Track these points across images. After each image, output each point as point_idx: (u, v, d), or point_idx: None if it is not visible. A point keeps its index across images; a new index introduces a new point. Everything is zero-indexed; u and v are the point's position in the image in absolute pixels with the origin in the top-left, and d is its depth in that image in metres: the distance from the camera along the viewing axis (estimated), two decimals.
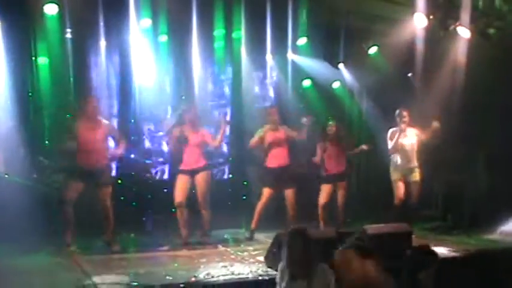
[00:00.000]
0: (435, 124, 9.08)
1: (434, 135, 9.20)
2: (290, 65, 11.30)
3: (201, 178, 8.53)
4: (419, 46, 10.19)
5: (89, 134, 7.86)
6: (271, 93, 11.62)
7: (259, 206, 9.02)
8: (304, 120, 9.04)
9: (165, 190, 9.58)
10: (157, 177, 10.63)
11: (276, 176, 9.00)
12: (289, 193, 9.02)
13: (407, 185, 9.25)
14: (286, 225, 8.83)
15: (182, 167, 8.56)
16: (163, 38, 10.12)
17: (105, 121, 8.21)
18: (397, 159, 9.24)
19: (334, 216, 9.42)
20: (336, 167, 9.33)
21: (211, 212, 8.68)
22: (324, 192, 9.30)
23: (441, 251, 7.91)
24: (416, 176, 9.27)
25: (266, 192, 9.04)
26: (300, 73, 11.31)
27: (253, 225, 8.99)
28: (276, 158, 9.00)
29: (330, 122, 9.40)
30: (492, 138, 9.84)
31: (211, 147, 8.90)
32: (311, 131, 9.23)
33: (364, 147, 9.66)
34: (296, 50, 11.21)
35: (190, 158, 8.50)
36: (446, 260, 7.36)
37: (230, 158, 11.24)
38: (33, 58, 9.35)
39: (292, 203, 9.00)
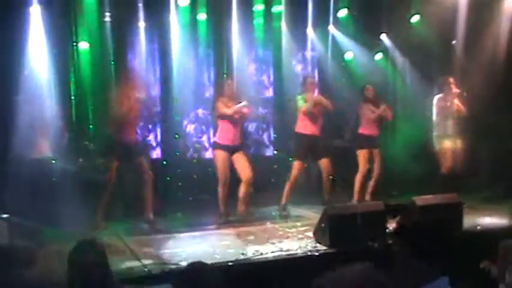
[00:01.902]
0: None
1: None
2: (331, 38, 11.15)
3: (240, 155, 8.41)
4: (463, 12, 9.95)
5: (125, 107, 7.82)
6: (313, 68, 11.45)
7: (290, 181, 8.85)
8: None
9: (210, 169, 9.57)
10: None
11: (307, 145, 8.81)
12: (324, 163, 8.87)
13: (453, 152, 9.11)
14: (324, 198, 8.83)
15: (220, 141, 8.41)
16: (203, 17, 10.09)
17: (139, 92, 8.20)
18: (441, 126, 9.11)
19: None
20: (372, 129, 9.23)
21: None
22: (363, 158, 9.17)
23: (491, 221, 7.78)
24: (459, 143, 9.13)
25: (296, 165, 8.85)
26: (341, 46, 11.14)
27: (283, 200, 8.82)
28: (309, 125, 8.79)
29: (367, 85, 9.33)
30: None
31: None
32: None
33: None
34: (337, 22, 11.06)
35: (229, 133, 8.33)
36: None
37: (274, 135, 11.22)
38: (74, 43, 9.39)
39: (328, 173, 8.86)
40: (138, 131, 8.43)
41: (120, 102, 7.84)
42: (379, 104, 9.26)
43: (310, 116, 8.77)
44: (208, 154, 10.46)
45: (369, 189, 9.29)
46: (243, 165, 8.40)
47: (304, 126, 8.83)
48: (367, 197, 9.22)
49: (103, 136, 8.42)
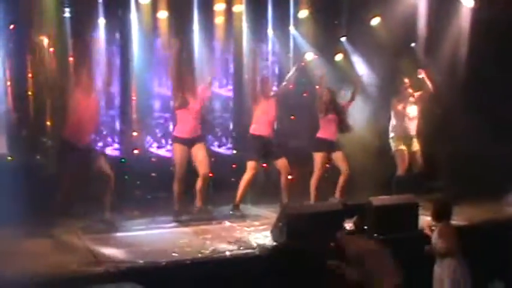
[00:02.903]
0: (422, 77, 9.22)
1: (425, 91, 9.27)
2: (292, 38, 11.22)
3: (199, 148, 8.39)
4: (422, 15, 10.11)
5: (83, 105, 7.69)
6: (273, 68, 11.48)
7: (244, 182, 8.80)
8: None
9: (169, 168, 9.55)
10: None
11: (262, 144, 8.83)
12: (280, 164, 8.89)
13: (410, 154, 9.25)
14: (281, 199, 8.84)
15: (178, 134, 8.43)
16: (163, 14, 10.03)
17: (97, 90, 8.09)
18: (398, 126, 9.25)
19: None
20: (332, 133, 9.19)
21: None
22: (319, 161, 9.10)
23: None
24: (416, 145, 9.28)
25: (250, 166, 8.83)
26: (302, 46, 11.20)
27: (236, 201, 8.79)
28: (264, 126, 8.83)
29: (325, 89, 9.31)
30: (501, 108, 9.69)
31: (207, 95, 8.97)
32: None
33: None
34: (298, 23, 11.12)
35: (188, 125, 8.35)
36: None
37: (233, 134, 11.20)
38: (32, 38, 9.25)
39: (285, 173, 8.87)
40: (95, 133, 8.28)
41: (77, 102, 7.73)
42: (337, 107, 9.29)
43: (263, 117, 8.83)
44: (166, 152, 10.43)
45: (338, 193, 9.18)
46: (200, 159, 8.38)
47: (258, 128, 8.86)
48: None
49: (59, 141, 8.22)
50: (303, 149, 9.82)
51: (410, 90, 9.23)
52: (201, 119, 8.64)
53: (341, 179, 9.16)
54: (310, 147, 9.37)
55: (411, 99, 9.23)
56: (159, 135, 10.63)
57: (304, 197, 9.16)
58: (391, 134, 9.38)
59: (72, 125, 7.68)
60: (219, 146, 11.14)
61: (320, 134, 9.21)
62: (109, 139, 10.12)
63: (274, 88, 9.25)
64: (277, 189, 9.27)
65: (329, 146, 9.16)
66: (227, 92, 11.21)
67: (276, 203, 8.77)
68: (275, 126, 9.03)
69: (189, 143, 8.33)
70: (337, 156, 9.16)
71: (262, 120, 8.84)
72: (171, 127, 10.13)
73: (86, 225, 7.80)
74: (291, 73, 9.29)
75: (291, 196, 8.93)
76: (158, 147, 10.58)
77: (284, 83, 9.29)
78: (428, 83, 9.19)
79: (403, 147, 9.26)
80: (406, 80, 9.26)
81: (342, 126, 9.24)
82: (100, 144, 9.52)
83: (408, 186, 8.70)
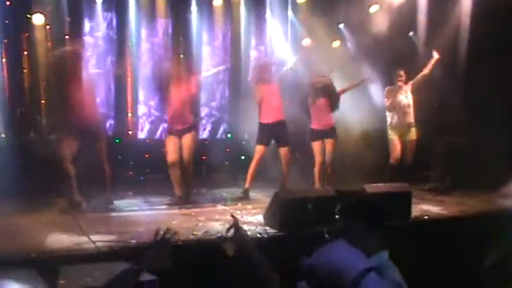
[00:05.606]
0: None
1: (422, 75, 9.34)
2: (290, 23, 11.17)
3: (187, 138, 8.32)
4: (422, 4, 10.09)
5: (79, 89, 7.62)
6: (270, 53, 11.43)
7: (253, 164, 8.88)
8: None
9: (163, 150, 9.54)
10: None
11: (271, 132, 8.86)
12: (283, 151, 8.94)
13: (404, 144, 9.27)
14: (280, 184, 8.85)
15: (170, 123, 8.47)
16: None
17: (93, 72, 8.06)
18: (394, 116, 9.27)
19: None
20: (324, 122, 9.14)
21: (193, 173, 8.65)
22: (317, 150, 9.13)
23: (438, 211, 7.95)
24: (412, 135, 9.31)
25: (259, 150, 8.88)
26: (299, 32, 11.15)
27: (246, 185, 8.84)
28: (271, 112, 8.84)
29: (319, 75, 9.29)
30: (499, 99, 9.68)
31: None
32: None
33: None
34: (296, 8, 11.07)
35: (177, 116, 8.30)
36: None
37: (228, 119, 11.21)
38: (28, 16, 9.19)
39: (286, 161, 8.93)
40: (99, 112, 8.24)
41: (74, 81, 7.66)
42: (330, 96, 9.24)
43: (268, 103, 8.81)
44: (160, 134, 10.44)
45: (326, 179, 9.17)
46: (185, 149, 8.34)
47: (266, 116, 8.87)
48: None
49: (60, 119, 8.18)
50: (300, 135, 9.80)
51: (400, 84, 9.25)
52: (191, 108, 8.61)
53: (326, 167, 9.22)
54: (307, 136, 9.36)
55: (401, 84, 9.24)
56: (152, 118, 10.62)
57: (307, 183, 9.17)
58: (388, 122, 9.42)
59: (71, 105, 7.62)
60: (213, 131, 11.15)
61: (313, 125, 9.17)
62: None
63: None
64: (271, 174, 9.31)
65: (324, 134, 9.14)
66: (224, 76, 11.18)
67: (269, 187, 8.75)
68: (283, 109, 9.02)
69: (179, 133, 8.32)
70: (327, 144, 9.15)
71: (267, 107, 8.84)
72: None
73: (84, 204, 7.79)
74: (291, 64, 9.28)
75: (294, 182, 9.00)
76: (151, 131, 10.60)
77: (285, 69, 9.25)
78: (429, 67, 9.23)
79: (395, 136, 9.30)
80: (402, 73, 9.26)
81: (333, 106, 9.22)
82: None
83: (401, 174, 8.72)
